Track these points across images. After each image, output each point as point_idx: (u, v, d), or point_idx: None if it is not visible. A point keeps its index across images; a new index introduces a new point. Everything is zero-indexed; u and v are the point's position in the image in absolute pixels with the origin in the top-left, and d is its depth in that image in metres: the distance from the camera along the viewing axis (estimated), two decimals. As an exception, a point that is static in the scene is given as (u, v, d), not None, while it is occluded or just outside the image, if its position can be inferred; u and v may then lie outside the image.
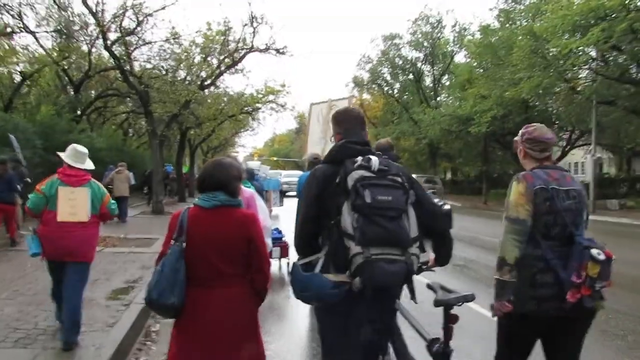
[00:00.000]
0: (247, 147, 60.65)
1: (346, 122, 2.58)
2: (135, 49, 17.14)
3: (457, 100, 32.66)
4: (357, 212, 2.16)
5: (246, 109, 23.86)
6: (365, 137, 2.55)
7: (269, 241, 3.76)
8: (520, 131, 2.77)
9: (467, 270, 8.30)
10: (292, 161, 62.78)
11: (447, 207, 3.15)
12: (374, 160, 2.27)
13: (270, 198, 16.22)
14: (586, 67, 18.86)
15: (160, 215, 16.09)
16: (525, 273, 2.51)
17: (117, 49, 16.69)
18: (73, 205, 4.15)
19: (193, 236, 2.44)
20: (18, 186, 9.20)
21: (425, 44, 37.51)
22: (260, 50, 18.28)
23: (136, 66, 18.32)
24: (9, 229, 9.24)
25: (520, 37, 19.92)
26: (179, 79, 19.44)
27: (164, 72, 19.01)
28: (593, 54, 18.36)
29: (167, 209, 17.13)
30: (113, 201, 4.56)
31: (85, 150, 4.39)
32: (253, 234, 2.52)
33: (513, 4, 24.36)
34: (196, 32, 19.12)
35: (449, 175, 47.51)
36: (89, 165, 4.39)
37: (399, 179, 2.28)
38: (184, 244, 2.42)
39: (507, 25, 24.81)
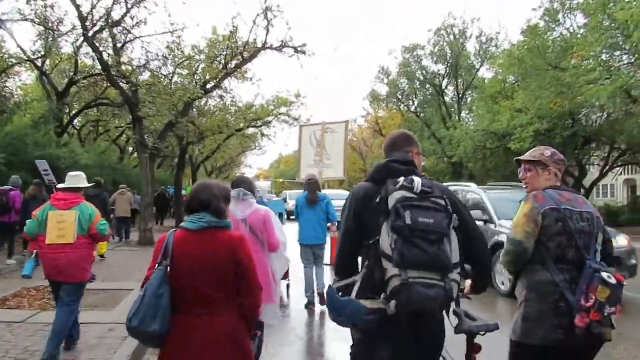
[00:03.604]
0: (253, 167, 57.67)
1: (389, 145, 2.47)
2: (124, 44, 14.27)
3: (484, 115, 29.57)
4: (396, 233, 2.00)
5: (255, 122, 21.07)
6: (410, 157, 2.36)
7: (285, 254, 3.92)
8: (545, 151, 2.71)
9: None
10: (299, 182, 59.75)
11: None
12: (417, 180, 2.12)
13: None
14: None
15: (147, 247, 12.66)
16: (547, 301, 2.43)
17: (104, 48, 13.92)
18: (61, 227, 4.36)
19: (178, 259, 2.32)
20: None
21: (449, 55, 34.62)
22: (274, 48, 15.37)
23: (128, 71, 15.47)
24: None
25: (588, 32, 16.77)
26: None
27: (161, 78, 16.09)
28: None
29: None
30: (103, 222, 4.63)
31: (76, 173, 4.81)
32: (241, 256, 2.39)
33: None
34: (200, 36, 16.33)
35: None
36: (83, 182, 4.78)
37: (442, 202, 2.11)
38: (168, 268, 2.30)
39: (553, 26, 21.83)
